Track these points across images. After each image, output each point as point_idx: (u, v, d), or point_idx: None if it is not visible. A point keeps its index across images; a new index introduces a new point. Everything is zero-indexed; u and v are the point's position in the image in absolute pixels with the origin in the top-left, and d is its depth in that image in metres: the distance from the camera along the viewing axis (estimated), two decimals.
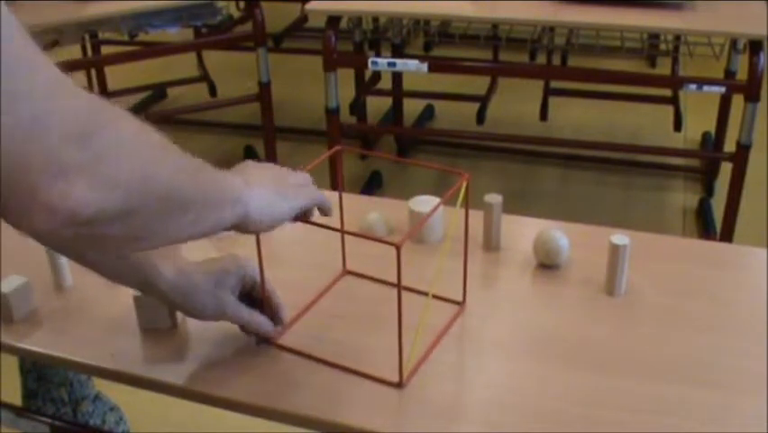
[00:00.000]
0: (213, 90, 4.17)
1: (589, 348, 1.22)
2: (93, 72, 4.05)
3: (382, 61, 2.81)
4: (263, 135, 3.29)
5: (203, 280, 1.16)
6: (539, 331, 1.26)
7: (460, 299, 1.32)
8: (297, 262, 1.44)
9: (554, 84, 3.83)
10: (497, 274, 1.40)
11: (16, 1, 1.00)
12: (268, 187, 1.08)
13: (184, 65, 4.35)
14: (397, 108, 3.88)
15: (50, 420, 1.55)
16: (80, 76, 3.99)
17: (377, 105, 3.98)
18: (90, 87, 3.82)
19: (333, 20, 2.79)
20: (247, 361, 1.21)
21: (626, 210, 3.35)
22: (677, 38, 2.80)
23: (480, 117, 3.70)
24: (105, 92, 4.08)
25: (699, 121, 3.88)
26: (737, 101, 2.66)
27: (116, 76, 4.15)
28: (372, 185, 3.54)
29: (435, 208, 1.16)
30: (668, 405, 1.11)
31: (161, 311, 1.27)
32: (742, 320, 1.27)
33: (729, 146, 2.91)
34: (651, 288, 1.35)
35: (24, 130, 0.73)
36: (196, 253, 1.47)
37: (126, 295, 1.35)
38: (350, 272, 1.40)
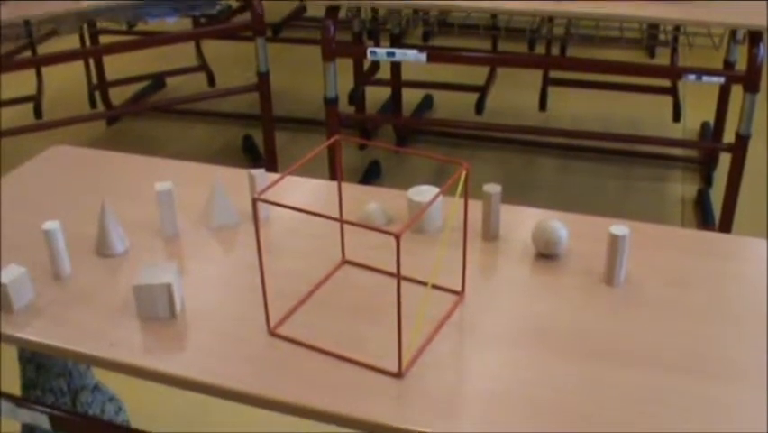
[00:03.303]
0: (211, 80, 4.16)
1: (588, 338, 1.22)
2: (91, 62, 4.04)
3: (381, 51, 2.80)
4: (262, 125, 3.29)
5: None
6: (538, 321, 1.26)
7: (459, 288, 1.32)
8: (296, 252, 1.44)
9: (553, 74, 3.82)
10: (496, 264, 1.40)
11: None
12: None
13: (182, 55, 4.34)
14: (396, 98, 3.87)
15: (49, 410, 1.55)
16: (79, 66, 3.98)
17: (376, 95, 3.97)
18: (89, 77, 3.82)
19: (332, 10, 2.79)
20: (245, 351, 1.21)
21: (625, 200, 3.34)
22: (676, 28, 2.79)
23: (479, 107, 3.70)
24: (103, 82, 4.07)
25: (698, 111, 3.88)
26: (737, 92, 2.66)
27: (115, 66, 4.14)
28: (371, 175, 3.54)
29: (435, 198, 1.16)
30: (667, 395, 1.11)
31: (160, 301, 1.27)
32: (741, 311, 1.27)
33: (728, 137, 2.91)
34: (650, 278, 1.35)
35: None
36: (196, 242, 1.48)
37: (125, 285, 1.35)
38: (349, 262, 1.40)
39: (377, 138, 3.92)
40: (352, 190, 1.60)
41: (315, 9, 2.85)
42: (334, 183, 1.36)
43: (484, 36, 3.72)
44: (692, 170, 3.56)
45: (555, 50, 4.17)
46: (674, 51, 3.88)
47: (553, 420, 1.08)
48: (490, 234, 1.46)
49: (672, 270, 1.37)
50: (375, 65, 3.92)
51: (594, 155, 3.68)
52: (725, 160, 2.81)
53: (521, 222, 1.50)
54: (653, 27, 2.91)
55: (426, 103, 4.10)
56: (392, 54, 2.79)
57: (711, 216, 3.13)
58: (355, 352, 1.19)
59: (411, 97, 3.99)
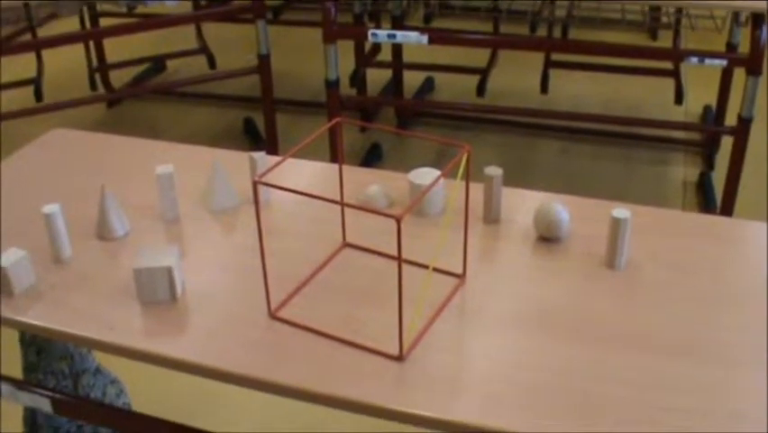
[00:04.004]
0: (212, 62, 4.15)
1: (590, 322, 1.22)
2: (91, 45, 4.03)
3: (382, 33, 2.79)
4: (263, 108, 3.28)
5: None
6: (539, 304, 1.26)
7: (460, 271, 1.32)
8: (297, 235, 1.44)
9: (555, 56, 3.80)
10: (497, 247, 1.40)
11: None
12: None
13: (183, 37, 4.33)
14: (397, 80, 3.86)
15: (50, 393, 1.55)
16: (79, 48, 3.97)
17: (377, 78, 3.96)
18: (89, 60, 3.80)
19: None
20: (246, 334, 1.21)
21: (627, 184, 3.34)
22: (678, 10, 2.79)
23: (481, 90, 3.69)
24: (103, 64, 4.06)
25: (701, 94, 3.86)
26: (739, 74, 2.65)
27: (115, 48, 4.13)
28: (372, 157, 3.54)
29: (436, 181, 1.16)
30: (668, 379, 1.11)
31: (161, 284, 1.26)
32: (742, 294, 1.27)
33: (730, 120, 2.90)
34: (651, 261, 1.34)
35: None
36: (197, 225, 1.48)
37: (126, 268, 1.35)
38: (350, 245, 1.40)
39: (378, 120, 3.91)
40: (353, 173, 1.60)
41: None
42: (335, 166, 1.36)
43: (485, 18, 3.71)
44: (694, 154, 3.55)
45: (557, 33, 4.15)
46: (676, 34, 3.87)
47: (553, 403, 1.08)
48: (492, 216, 1.45)
49: (673, 253, 1.37)
50: (376, 47, 3.91)
51: (596, 138, 3.67)
52: (727, 143, 2.80)
53: (522, 205, 1.50)
54: (656, 9, 2.89)
55: (428, 85, 4.09)
56: (393, 36, 2.78)
57: (713, 199, 3.13)
58: (356, 335, 1.19)
59: (412, 80, 3.98)
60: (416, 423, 1.08)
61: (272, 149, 3.31)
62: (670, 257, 1.36)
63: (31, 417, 1.87)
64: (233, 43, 4.39)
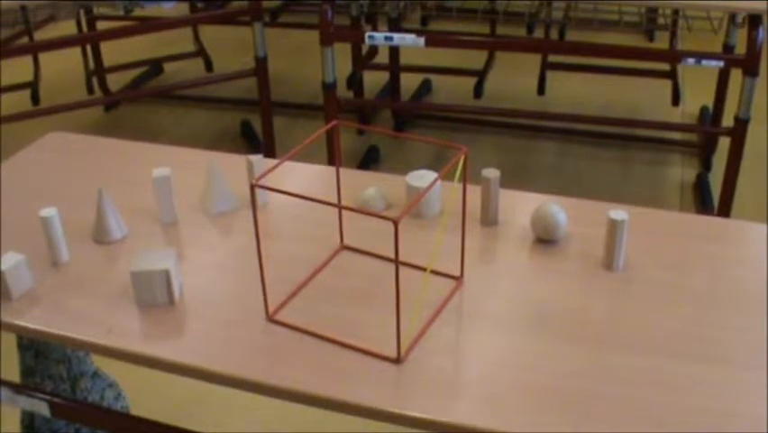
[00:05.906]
0: (209, 65, 4.15)
1: (588, 323, 1.22)
2: (89, 48, 4.02)
3: (379, 36, 2.79)
4: (260, 110, 3.28)
5: None
6: (537, 306, 1.26)
7: (457, 273, 1.32)
8: (295, 237, 1.44)
9: (552, 58, 3.81)
10: (494, 249, 1.40)
11: None
12: None
13: (180, 40, 4.33)
14: (394, 83, 3.86)
15: (48, 397, 1.55)
16: (76, 52, 3.97)
17: (374, 80, 3.96)
18: (86, 63, 3.80)
19: None
20: (244, 337, 1.21)
21: (624, 185, 3.34)
22: (675, 12, 2.79)
23: (478, 92, 3.69)
24: (100, 68, 4.06)
25: (698, 95, 3.87)
26: (736, 75, 2.65)
27: (112, 51, 4.13)
28: (370, 160, 3.54)
29: (433, 183, 1.16)
30: (667, 379, 1.11)
31: (159, 287, 1.26)
32: (740, 295, 1.27)
33: (727, 121, 2.90)
34: (649, 263, 1.35)
35: None
36: (195, 228, 1.47)
37: (124, 271, 1.35)
38: (347, 247, 1.40)
39: (375, 123, 3.91)
40: (351, 175, 1.60)
41: None
42: (333, 168, 1.36)
43: (482, 20, 3.71)
44: (691, 155, 3.55)
45: (554, 34, 4.15)
46: (673, 35, 3.87)
47: (552, 404, 1.08)
48: (489, 218, 1.45)
49: (670, 254, 1.37)
50: (373, 49, 3.91)
51: (593, 139, 3.68)
52: (724, 144, 2.81)
53: (520, 207, 1.50)
54: (652, 10, 2.90)
55: (425, 87, 4.10)
56: (390, 39, 2.78)
57: (710, 200, 3.13)
58: (354, 337, 1.19)
59: (409, 82, 3.98)
60: (415, 425, 1.08)
61: (269, 152, 3.31)
62: (667, 258, 1.36)
63: (29, 420, 1.87)
64: (231, 46, 4.39)
